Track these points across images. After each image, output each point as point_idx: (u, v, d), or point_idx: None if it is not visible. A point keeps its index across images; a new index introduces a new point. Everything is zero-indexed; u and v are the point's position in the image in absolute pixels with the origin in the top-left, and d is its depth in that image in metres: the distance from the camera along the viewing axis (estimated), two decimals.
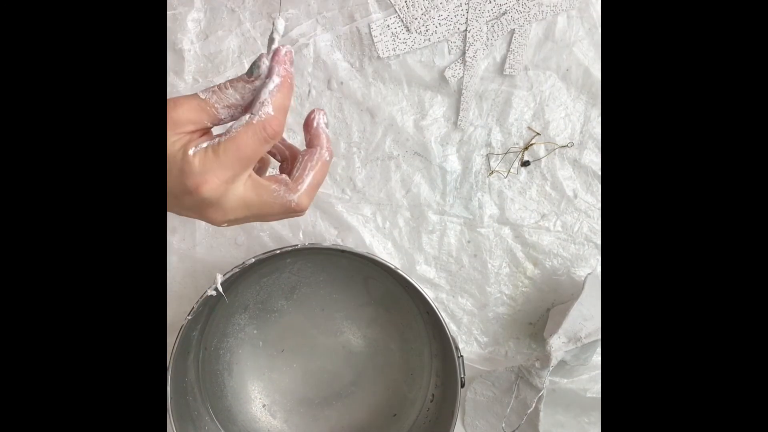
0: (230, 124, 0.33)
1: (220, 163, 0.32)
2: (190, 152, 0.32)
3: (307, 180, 0.35)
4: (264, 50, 0.34)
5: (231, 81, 0.34)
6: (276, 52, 0.34)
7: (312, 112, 0.36)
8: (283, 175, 0.35)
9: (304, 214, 0.36)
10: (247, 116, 0.33)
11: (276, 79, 0.33)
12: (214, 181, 0.32)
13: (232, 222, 0.35)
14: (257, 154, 0.33)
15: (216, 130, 0.34)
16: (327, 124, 0.37)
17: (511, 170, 0.51)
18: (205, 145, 0.32)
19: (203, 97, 0.33)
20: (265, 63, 0.33)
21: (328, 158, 0.36)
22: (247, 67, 0.48)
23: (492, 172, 0.51)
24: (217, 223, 0.34)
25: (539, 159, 0.51)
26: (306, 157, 0.35)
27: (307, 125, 0.36)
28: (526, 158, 0.51)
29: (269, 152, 0.39)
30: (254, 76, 0.33)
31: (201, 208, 0.33)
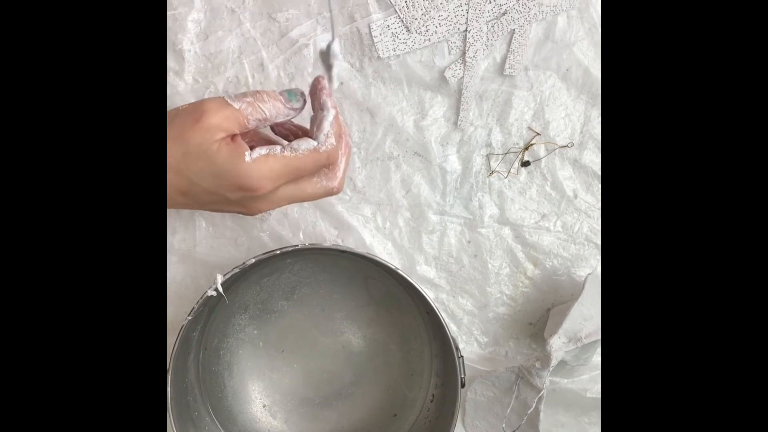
0: (297, 141, 0.36)
1: (279, 173, 0.36)
2: (248, 159, 0.35)
3: (342, 166, 0.39)
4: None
5: (268, 94, 0.36)
6: (320, 85, 0.37)
7: (319, 88, 0.38)
8: None
9: None
10: (313, 142, 0.36)
11: (333, 111, 0.37)
12: (269, 186, 0.36)
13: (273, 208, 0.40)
14: (311, 175, 0.37)
15: None
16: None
17: (512, 170, 0.51)
18: (264, 152, 0.35)
19: (237, 106, 0.35)
20: (304, 97, 0.37)
21: (350, 144, 0.40)
22: (247, 67, 0.48)
23: (492, 173, 0.51)
24: (255, 213, 0.38)
25: (539, 159, 0.51)
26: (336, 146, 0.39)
27: (327, 92, 0.38)
28: (526, 158, 0.51)
29: (280, 133, 0.42)
30: (292, 106, 0.36)
31: (247, 202, 0.37)
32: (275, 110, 0.36)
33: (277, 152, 0.35)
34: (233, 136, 0.35)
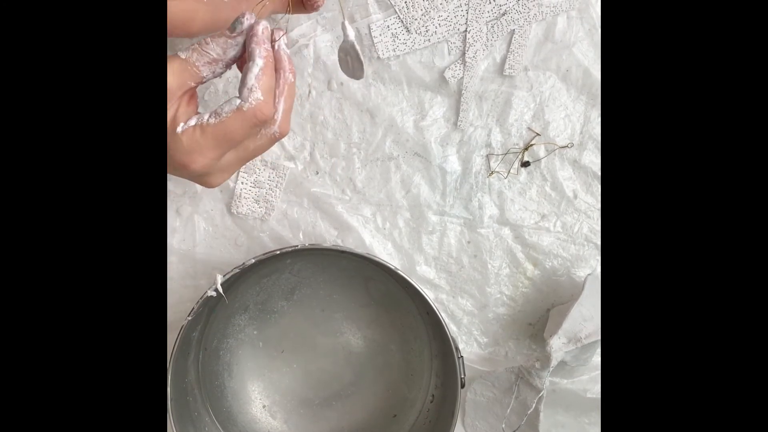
0: (222, 104, 0.33)
1: (208, 144, 0.32)
2: (178, 130, 0.32)
3: (281, 108, 0.35)
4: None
5: (212, 36, 0.33)
6: (252, 31, 0.33)
7: (256, 27, 0.34)
8: None
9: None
10: (237, 101, 0.32)
11: (259, 62, 0.33)
12: (201, 160, 0.33)
13: (228, 177, 0.37)
14: (246, 137, 0.34)
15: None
16: (287, 45, 0.36)
17: (511, 171, 0.51)
18: (193, 122, 0.32)
19: (184, 56, 0.32)
20: (248, 19, 0.32)
21: (292, 79, 0.35)
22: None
23: (492, 173, 0.51)
24: (213, 186, 0.36)
25: (539, 159, 0.51)
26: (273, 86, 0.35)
27: (256, 39, 0.33)
28: (526, 159, 0.51)
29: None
30: (237, 32, 0.33)
31: (195, 179, 0.35)
32: (224, 45, 0.33)
33: (204, 120, 0.32)
34: (188, 93, 0.33)
